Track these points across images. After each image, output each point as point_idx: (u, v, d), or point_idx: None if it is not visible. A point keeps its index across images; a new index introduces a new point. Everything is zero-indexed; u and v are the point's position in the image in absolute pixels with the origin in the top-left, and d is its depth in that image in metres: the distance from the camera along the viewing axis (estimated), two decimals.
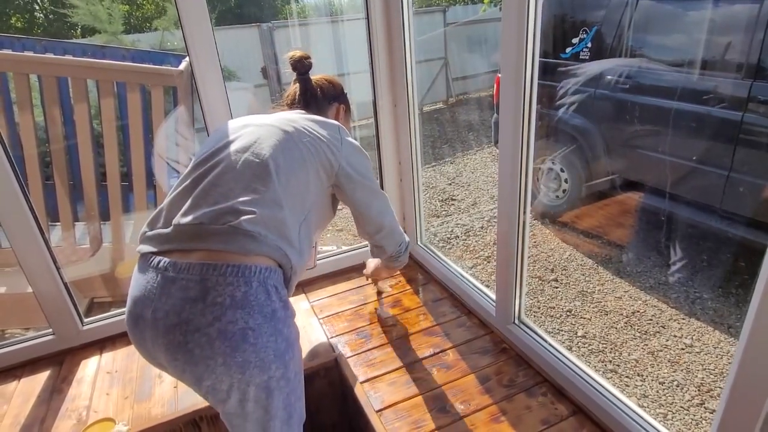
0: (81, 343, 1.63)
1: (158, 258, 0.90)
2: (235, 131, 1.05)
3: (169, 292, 0.86)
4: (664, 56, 3.03)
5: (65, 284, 1.56)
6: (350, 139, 1.15)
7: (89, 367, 1.54)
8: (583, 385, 1.20)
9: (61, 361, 1.57)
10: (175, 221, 0.92)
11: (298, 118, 1.10)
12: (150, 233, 0.95)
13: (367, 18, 1.71)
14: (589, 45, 3.43)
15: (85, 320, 1.64)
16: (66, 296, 1.56)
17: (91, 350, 1.61)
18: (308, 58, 1.24)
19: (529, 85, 1.16)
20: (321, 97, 1.24)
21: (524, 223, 1.30)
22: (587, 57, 3.44)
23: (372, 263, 1.66)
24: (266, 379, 0.88)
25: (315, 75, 1.27)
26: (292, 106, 1.23)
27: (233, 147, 1.00)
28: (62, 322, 1.58)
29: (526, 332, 1.40)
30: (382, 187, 1.98)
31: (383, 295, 1.78)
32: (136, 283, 0.92)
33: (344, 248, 2.01)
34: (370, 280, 1.75)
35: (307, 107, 1.22)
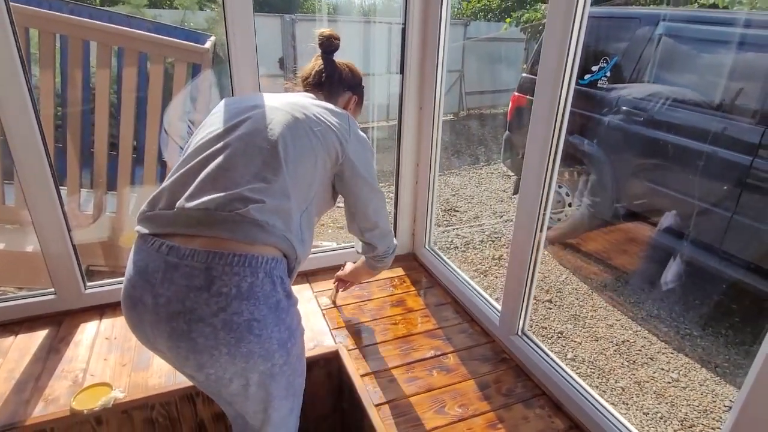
0: (81, 307, 1.62)
1: (159, 241, 0.86)
2: (244, 111, 1.00)
3: (172, 278, 0.83)
4: (680, 95, 3.07)
5: (74, 246, 1.56)
6: (358, 130, 1.12)
7: (88, 330, 1.53)
8: (581, 401, 1.21)
9: (60, 321, 1.56)
10: (179, 204, 0.88)
11: (310, 104, 1.06)
12: (150, 213, 0.91)
13: (404, 23, 1.73)
14: (608, 74, 3.47)
15: (88, 284, 1.64)
16: (74, 258, 1.56)
17: (91, 314, 1.60)
18: (338, 38, 1.20)
19: (563, 108, 1.18)
20: (338, 82, 1.20)
21: (540, 240, 1.31)
22: (605, 86, 3.48)
23: (350, 265, 1.59)
24: (269, 367, 0.88)
25: (339, 59, 1.23)
26: (306, 83, 1.20)
27: (243, 130, 0.96)
28: (66, 284, 1.57)
29: (528, 344, 1.41)
30: (397, 187, 2.00)
31: (333, 301, 1.72)
32: (135, 265, 0.89)
33: (353, 243, 2.02)
34: (336, 284, 1.66)
35: (321, 88, 1.18)
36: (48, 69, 2.38)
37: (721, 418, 2.40)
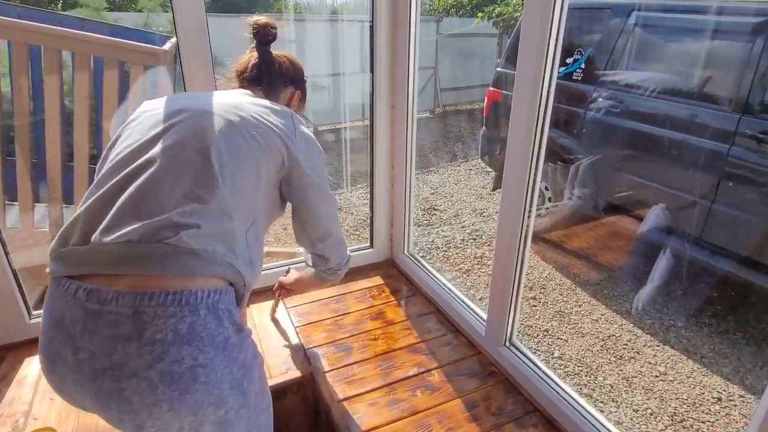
0: (27, 338, 1.47)
1: (75, 284, 0.72)
2: (169, 117, 0.86)
3: (95, 329, 0.70)
4: (655, 85, 3.05)
5: (13, 271, 1.40)
6: (304, 128, 1.00)
7: (33, 366, 1.38)
8: (576, 417, 1.13)
9: (2, 357, 1.41)
10: (95, 238, 0.74)
11: (246, 103, 0.93)
12: (62, 250, 0.77)
13: (372, 20, 1.64)
14: (583, 66, 3.44)
15: (34, 313, 1.48)
16: (14, 285, 1.40)
17: (37, 347, 1.44)
18: (274, 27, 1.07)
19: (545, 101, 1.10)
20: (278, 75, 1.07)
21: (525, 243, 1.22)
22: (580, 78, 3.45)
23: (295, 273, 1.42)
24: (223, 414, 0.76)
25: (277, 51, 1.10)
26: (242, 78, 1.06)
27: (168, 141, 0.82)
28: (6, 314, 1.42)
29: (517, 356, 1.32)
30: (372, 190, 1.89)
31: (273, 317, 1.59)
32: (50, 315, 0.75)
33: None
34: (278, 292, 1.48)
35: (259, 83, 1.05)
36: None
37: (710, 410, 2.37)
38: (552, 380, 1.23)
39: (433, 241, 3.97)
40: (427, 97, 7.65)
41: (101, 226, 0.74)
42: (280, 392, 1.29)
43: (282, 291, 1.46)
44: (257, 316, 1.59)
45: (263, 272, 1.73)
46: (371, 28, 1.65)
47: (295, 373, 1.33)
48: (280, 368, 1.35)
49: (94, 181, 0.82)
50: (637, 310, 2.96)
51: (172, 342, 0.70)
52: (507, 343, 1.37)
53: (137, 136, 0.84)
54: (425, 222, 4.38)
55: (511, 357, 1.32)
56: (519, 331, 2.80)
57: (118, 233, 0.73)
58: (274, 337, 1.49)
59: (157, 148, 0.81)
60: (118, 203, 0.76)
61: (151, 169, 0.79)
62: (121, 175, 0.79)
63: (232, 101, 0.92)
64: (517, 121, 1.14)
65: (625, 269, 3.42)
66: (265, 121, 0.91)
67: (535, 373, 1.26)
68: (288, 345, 1.46)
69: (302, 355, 1.41)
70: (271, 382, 1.29)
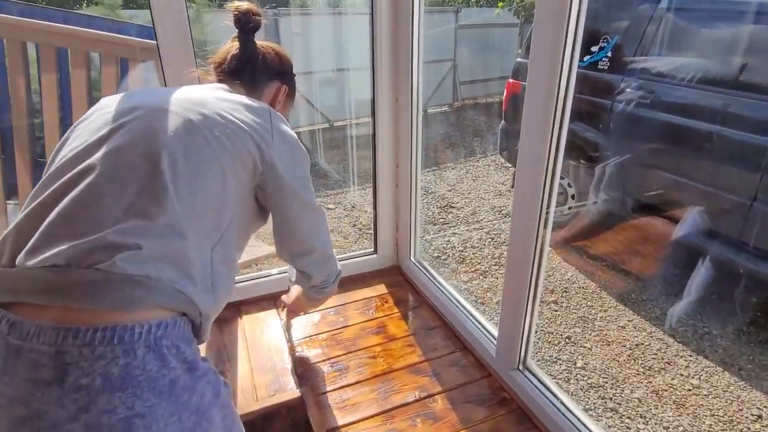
0: None
1: (0, 313, 0.61)
2: (118, 117, 0.73)
3: (14, 369, 0.59)
4: (690, 74, 2.82)
5: None
6: (285, 127, 0.87)
7: None
8: None
9: None
10: (19, 260, 0.63)
11: (213, 98, 0.80)
12: None
13: (372, 10, 1.51)
14: (609, 55, 3.23)
15: None
16: None
17: None
18: (258, 14, 0.94)
19: (564, 92, 0.94)
20: (261, 68, 0.95)
21: (542, 252, 1.07)
22: (606, 68, 3.24)
23: (296, 290, 1.29)
24: None
25: (262, 42, 0.98)
26: (220, 70, 0.94)
27: (113, 144, 0.69)
28: None
29: (531, 382, 1.17)
30: (375, 191, 1.75)
31: (290, 343, 1.44)
32: None
33: (338, 255, 1.78)
34: (282, 312, 1.39)
35: (239, 77, 0.93)
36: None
37: (749, 429, 2.17)
38: (571, 412, 1.08)
39: (449, 241, 3.82)
40: (445, 91, 7.46)
41: (27, 246, 0.63)
42: (268, 416, 1.17)
43: (289, 313, 1.35)
44: (249, 328, 1.48)
45: (258, 280, 1.62)
46: (371, 17, 1.52)
47: (285, 396, 1.20)
48: (269, 389, 1.23)
49: (32, 191, 0.71)
50: (671, 326, 2.75)
51: (101, 389, 0.58)
52: (520, 366, 1.21)
53: (84, 137, 0.72)
54: (441, 220, 4.22)
55: (525, 383, 1.17)
56: (539, 338, 2.64)
57: (43, 256, 0.61)
58: (264, 353, 1.37)
59: (99, 153, 0.68)
60: (49, 219, 0.64)
61: (89, 178, 0.66)
62: (58, 184, 0.67)
63: (197, 96, 0.79)
64: (531, 113, 0.98)
65: (658, 278, 3.19)
66: (234, 119, 0.78)
67: (552, 403, 1.10)
68: (278, 363, 1.34)
69: (293, 375, 1.29)
70: (258, 405, 1.18)
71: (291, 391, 1.22)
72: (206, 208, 0.72)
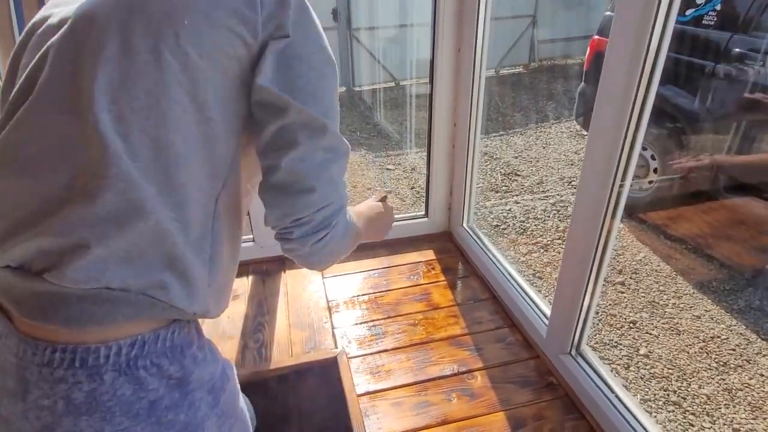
0: None
1: None
2: (43, 40, 0.51)
3: None
4: None
5: None
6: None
7: None
8: None
9: None
10: None
11: None
12: None
13: None
14: (718, 8, 2.79)
15: None
16: None
17: None
18: None
19: (656, 48, 0.78)
20: None
21: (610, 231, 0.93)
22: (712, 23, 2.81)
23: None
24: None
25: None
26: None
27: (37, 91, 0.49)
28: None
29: (583, 369, 1.05)
30: (429, 151, 1.64)
31: None
32: None
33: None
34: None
35: None
36: None
37: None
38: (626, 407, 0.96)
39: (510, 210, 3.64)
40: (521, 50, 6.97)
41: None
42: (301, 372, 1.17)
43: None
44: (291, 283, 1.47)
45: None
46: None
47: (320, 354, 1.19)
48: (305, 346, 1.22)
49: None
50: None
51: (63, 412, 0.49)
52: (573, 351, 1.10)
53: (21, 72, 0.53)
54: (504, 188, 4.02)
55: (576, 369, 1.06)
56: (598, 320, 2.46)
57: None
58: (303, 310, 1.35)
59: (24, 108, 0.49)
60: None
61: (21, 145, 0.49)
62: None
63: None
64: (611, 73, 0.83)
65: (748, 268, 2.84)
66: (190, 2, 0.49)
67: (605, 394, 0.99)
68: (316, 321, 1.32)
69: (330, 334, 1.27)
70: (293, 361, 1.17)
71: (326, 350, 1.20)
72: (186, 154, 0.50)
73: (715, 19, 2.79)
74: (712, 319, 2.53)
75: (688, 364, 2.28)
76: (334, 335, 1.26)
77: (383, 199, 0.89)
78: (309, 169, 0.55)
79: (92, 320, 0.49)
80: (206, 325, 1.27)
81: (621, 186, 0.91)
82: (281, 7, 0.51)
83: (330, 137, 0.56)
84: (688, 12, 2.86)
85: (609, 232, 0.94)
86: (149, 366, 0.52)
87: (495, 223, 3.46)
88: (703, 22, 2.81)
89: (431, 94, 1.54)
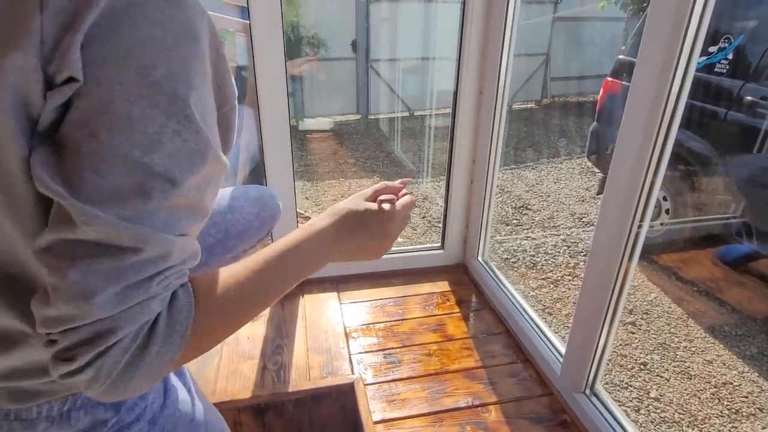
0: None
1: None
2: None
3: None
4: None
5: None
6: None
7: None
8: None
9: None
10: None
11: None
12: None
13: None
14: (730, 57, 2.87)
15: None
16: None
17: None
18: None
19: (676, 95, 0.82)
20: None
21: (627, 270, 0.96)
22: (723, 71, 2.88)
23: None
24: None
25: None
26: None
27: None
28: None
29: (597, 409, 1.07)
30: (448, 185, 1.69)
31: None
32: None
33: (404, 246, 1.75)
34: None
35: None
36: None
37: None
38: None
39: (520, 244, 3.65)
40: (534, 86, 7.11)
41: None
42: (318, 397, 1.19)
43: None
44: (308, 307, 1.50)
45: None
46: (462, 3, 1.45)
47: (337, 380, 1.21)
48: (322, 371, 1.24)
49: None
50: None
51: None
52: (587, 391, 1.11)
53: None
54: (514, 221, 4.05)
55: (590, 409, 1.07)
56: (610, 361, 2.44)
57: None
58: (321, 335, 1.38)
59: None
60: None
61: None
62: None
63: None
64: (633, 117, 0.87)
65: (761, 314, 2.81)
66: None
67: None
68: (333, 347, 1.35)
69: (347, 359, 1.29)
70: (310, 385, 1.19)
71: (343, 375, 1.22)
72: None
73: (727, 67, 2.86)
74: (724, 364, 2.50)
75: (700, 410, 2.24)
76: (351, 361, 1.28)
77: (392, 201, 0.61)
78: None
79: (19, 402, 0.50)
80: (226, 346, 1.30)
81: (639, 227, 0.94)
82: None
83: None
84: (700, 60, 2.94)
85: (626, 273, 0.97)
86: (83, 416, 0.53)
87: (505, 256, 3.48)
88: (715, 69, 2.89)
89: (452, 129, 1.60)
